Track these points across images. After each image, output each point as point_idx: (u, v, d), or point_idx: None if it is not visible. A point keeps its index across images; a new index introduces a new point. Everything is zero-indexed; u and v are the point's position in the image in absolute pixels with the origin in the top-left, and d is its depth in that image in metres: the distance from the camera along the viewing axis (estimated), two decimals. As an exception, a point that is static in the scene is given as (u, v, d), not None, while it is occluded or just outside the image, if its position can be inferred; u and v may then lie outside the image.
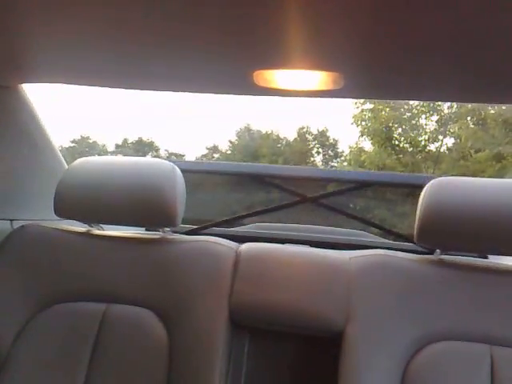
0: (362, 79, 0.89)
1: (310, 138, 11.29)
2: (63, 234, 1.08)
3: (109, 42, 0.79)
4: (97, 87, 1.09)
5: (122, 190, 1.03)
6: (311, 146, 11.22)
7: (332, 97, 1.00)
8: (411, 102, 8.92)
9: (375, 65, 0.81)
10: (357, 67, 0.82)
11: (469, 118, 8.68)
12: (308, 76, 0.87)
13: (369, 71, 0.84)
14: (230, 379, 0.97)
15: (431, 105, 8.95)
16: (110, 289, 1.01)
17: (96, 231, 1.12)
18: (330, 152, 11.05)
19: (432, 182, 0.97)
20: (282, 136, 11.43)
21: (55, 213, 1.07)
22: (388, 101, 8.83)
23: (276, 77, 0.88)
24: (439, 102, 8.62)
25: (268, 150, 10.74)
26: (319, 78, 0.88)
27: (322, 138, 11.04)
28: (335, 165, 10.15)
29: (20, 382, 0.95)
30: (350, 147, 9.83)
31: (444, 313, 0.91)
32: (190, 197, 1.10)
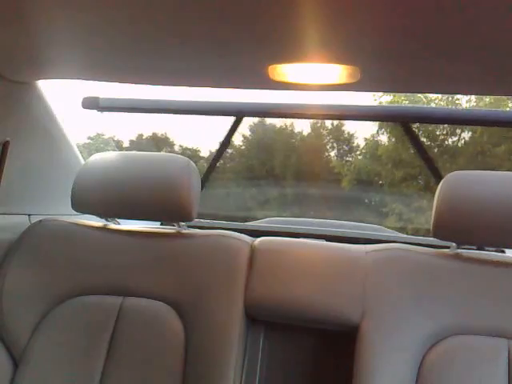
0: (379, 72, 0.88)
1: (324, 132, 11.22)
2: (80, 229, 1.09)
3: (124, 38, 0.80)
4: (112, 83, 1.10)
5: (138, 185, 1.04)
6: (326, 140, 11.15)
7: (348, 90, 0.99)
8: (429, 95, 8.82)
9: (392, 57, 0.80)
10: (374, 60, 0.82)
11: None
12: (324, 70, 0.86)
13: (386, 64, 0.84)
14: (245, 372, 0.97)
15: (449, 98, 8.83)
16: (126, 282, 1.02)
17: (112, 226, 1.12)
18: (344, 147, 10.97)
19: (448, 175, 0.96)
20: (296, 131, 11.37)
21: (72, 207, 1.08)
22: (405, 94, 8.73)
23: (291, 71, 0.88)
24: (458, 96, 8.50)
25: (282, 146, 10.70)
26: (335, 72, 0.87)
27: (337, 132, 10.96)
28: (350, 159, 10.09)
29: (38, 375, 0.97)
30: (365, 139, 9.75)
31: (460, 307, 0.90)
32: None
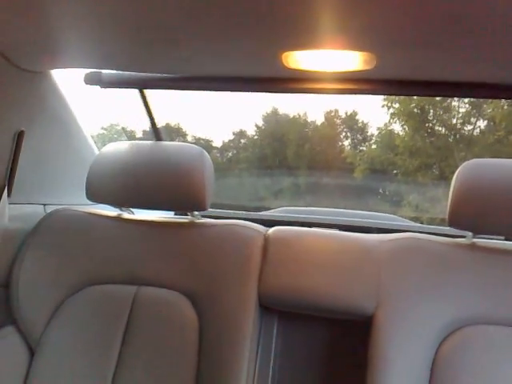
0: (395, 59, 0.87)
1: (338, 121, 11.15)
2: (94, 218, 1.10)
3: (136, 27, 0.79)
4: (126, 72, 1.10)
5: (152, 175, 1.04)
6: (339, 130, 11.09)
7: (363, 77, 0.97)
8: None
9: (408, 44, 0.78)
10: (390, 47, 0.80)
11: (503, 100, 8.42)
12: (339, 56, 0.85)
13: (402, 51, 0.82)
14: (259, 362, 0.98)
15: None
16: (140, 271, 1.02)
17: (126, 215, 1.13)
18: (358, 136, 10.90)
19: (465, 163, 0.95)
20: (309, 120, 11.32)
21: (87, 197, 1.09)
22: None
23: (305, 58, 0.86)
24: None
25: (295, 135, 10.68)
26: (351, 59, 0.86)
27: (351, 121, 10.89)
28: (364, 149, 10.03)
29: (54, 363, 0.98)
30: (378, 128, 9.69)
31: (475, 297, 0.89)
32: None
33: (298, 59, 0.87)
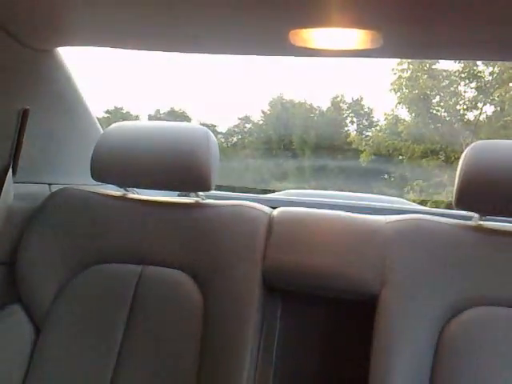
0: (401, 38, 0.86)
1: (344, 106, 11.07)
2: (99, 198, 1.10)
3: (143, 4, 0.79)
4: (132, 50, 1.09)
5: (156, 154, 1.04)
6: (345, 115, 11.02)
7: (370, 56, 0.97)
8: (450, 69, 8.64)
9: (415, 23, 0.77)
10: (396, 25, 0.79)
11: (511, 84, 8.33)
12: (346, 34, 0.84)
13: (408, 29, 0.81)
14: (263, 342, 0.98)
15: (471, 71, 8.63)
16: (145, 251, 1.03)
17: (131, 195, 1.13)
18: (364, 121, 10.83)
19: (472, 145, 0.95)
20: (315, 105, 11.25)
21: (92, 177, 1.09)
22: (426, 68, 8.55)
23: (313, 36, 0.86)
24: (480, 69, 8.30)
25: (301, 121, 10.63)
26: (357, 37, 0.85)
27: (357, 106, 10.81)
28: (370, 134, 9.98)
29: (59, 341, 0.99)
30: (385, 114, 9.62)
31: (481, 278, 0.89)
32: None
33: (305, 37, 0.86)
